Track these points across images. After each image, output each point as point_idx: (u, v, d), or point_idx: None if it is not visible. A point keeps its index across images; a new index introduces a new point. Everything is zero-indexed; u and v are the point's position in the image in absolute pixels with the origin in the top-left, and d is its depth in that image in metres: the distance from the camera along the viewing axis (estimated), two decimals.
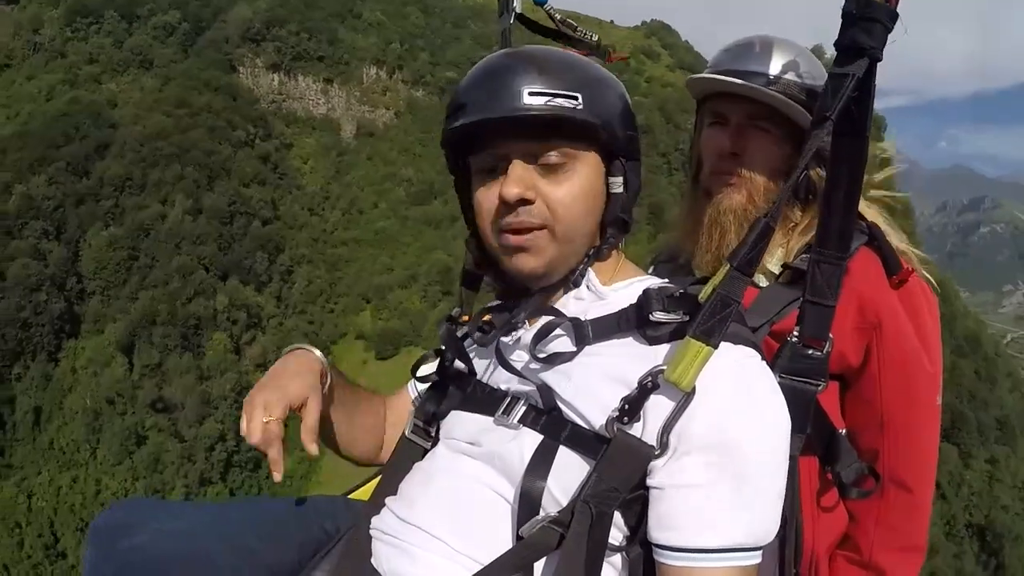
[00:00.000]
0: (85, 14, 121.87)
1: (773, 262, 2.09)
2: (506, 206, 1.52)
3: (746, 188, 2.11)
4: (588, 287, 1.62)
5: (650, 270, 2.34)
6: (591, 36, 1.82)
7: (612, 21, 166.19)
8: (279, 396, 1.57)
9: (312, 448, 1.60)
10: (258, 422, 1.51)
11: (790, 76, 2.09)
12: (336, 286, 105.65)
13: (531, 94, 1.47)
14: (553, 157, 1.52)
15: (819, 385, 1.73)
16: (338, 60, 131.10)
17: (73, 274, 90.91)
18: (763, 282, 2.08)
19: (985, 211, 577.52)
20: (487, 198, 1.56)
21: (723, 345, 1.41)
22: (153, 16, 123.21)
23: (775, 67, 2.09)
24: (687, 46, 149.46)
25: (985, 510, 78.20)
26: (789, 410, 1.47)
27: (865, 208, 2.05)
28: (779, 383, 1.52)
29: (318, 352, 1.75)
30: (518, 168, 1.52)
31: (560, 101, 1.48)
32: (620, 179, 1.60)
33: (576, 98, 1.50)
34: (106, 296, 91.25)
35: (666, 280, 1.73)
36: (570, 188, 1.53)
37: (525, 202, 1.51)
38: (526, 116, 1.48)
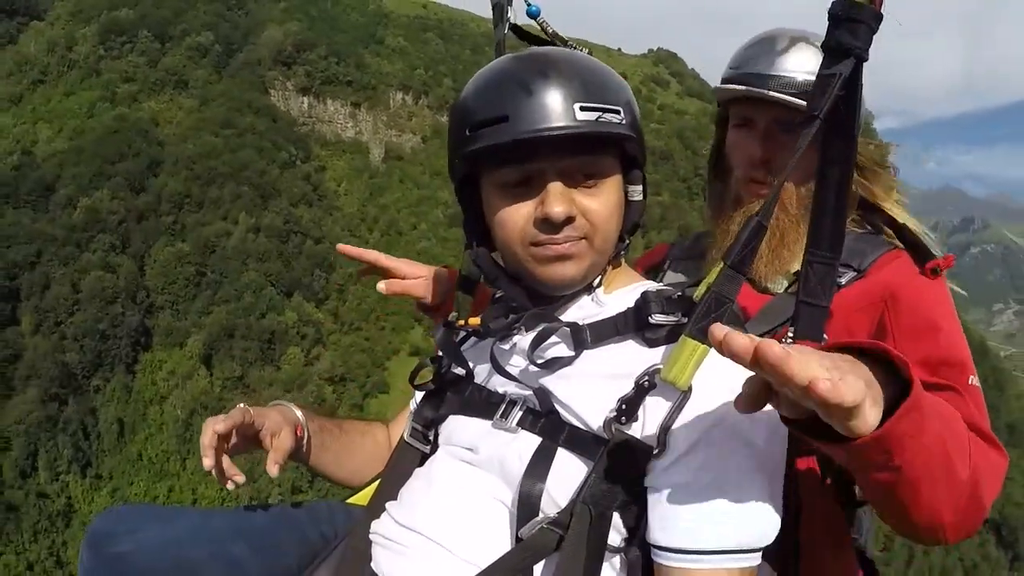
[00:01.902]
0: (119, 33, 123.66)
1: (797, 266, 2.01)
2: (546, 224, 1.49)
3: (778, 197, 2.00)
4: (592, 296, 1.65)
5: (666, 265, 2.45)
6: (582, 51, 1.79)
7: (620, 49, 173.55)
8: (235, 419, 1.66)
9: (273, 470, 1.68)
10: (210, 436, 1.61)
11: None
12: (385, 304, 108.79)
13: (583, 109, 1.45)
14: (590, 172, 1.52)
15: None
16: (365, 85, 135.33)
17: (141, 288, 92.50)
18: (784, 284, 2.11)
19: (975, 232, 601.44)
20: (516, 214, 1.53)
21: None
22: (186, 37, 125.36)
23: (801, 67, 2.04)
24: (693, 74, 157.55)
25: (999, 507, 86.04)
26: None
27: (899, 212, 2.10)
28: None
29: (297, 409, 1.87)
30: (559, 186, 1.50)
31: (609, 116, 1.48)
32: (639, 187, 1.63)
33: (619, 112, 1.50)
34: (176, 310, 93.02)
35: (663, 284, 1.84)
36: (605, 200, 1.54)
37: (569, 220, 1.50)
38: (578, 133, 1.45)
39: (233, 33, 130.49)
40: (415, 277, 2.16)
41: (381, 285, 2.09)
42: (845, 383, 1.06)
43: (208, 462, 1.62)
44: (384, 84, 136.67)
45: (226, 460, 1.67)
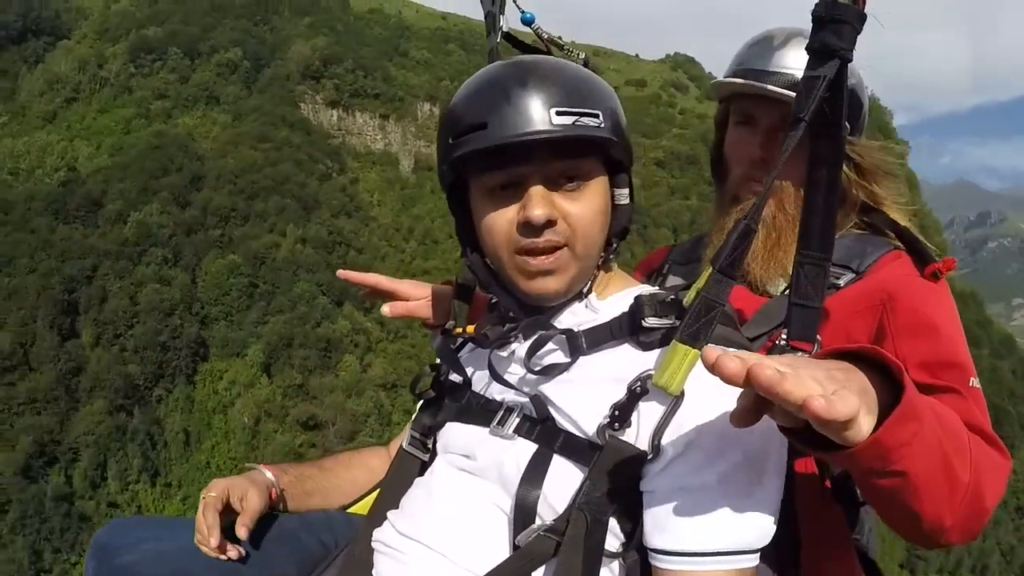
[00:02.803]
0: (148, 50, 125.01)
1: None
2: (528, 227, 1.51)
3: (777, 197, 2.10)
4: (585, 303, 1.66)
5: (666, 268, 2.47)
6: (579, 55, 1.81)
7: (637, 55, 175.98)
8: (221, 490, 1.76)
9: (241, 532, 1.73)
10: (211, 519, 1.69)
11: None
12: None
13: (559, 113, 1.47)
14: (571, 176, 1.54)
15: None
16: (392, 97, 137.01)
17: (195, 300, 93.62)
18: (782, 284, 2.08)
19: (992, 226, 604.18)
20: (501, 219, 1.55)
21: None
22: (215, 53, 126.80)
23: (801, 64, 1.91)
24: (711, 78, 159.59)
25: None
26: None
27: (898, 215, 2.10)
28: None
29: (266, 470, 1.91)
30: (540, 189, 1.52)
31: (586, 120, 1.49)
32: (626, 191, 1.64)
33: (598, 115, 1.51)
34: (230, 321, 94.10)
35: (669, 287, 1.89)
36: (588, 205, 1.55)
37: (550, 223, 1.51)
38: (554, 138, 1.47)
39: (260, 49, 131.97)
40: (419, 298, 2.23)
41: (385, 308, 2.19)
42: (839, 398, 1.05)
43: (215, 542, 1.68)
44: (411, 96, 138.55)
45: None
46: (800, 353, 1.66)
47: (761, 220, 1.92)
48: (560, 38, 1.91)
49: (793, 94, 1.89)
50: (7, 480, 71.29)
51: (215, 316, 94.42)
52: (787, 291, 1.93)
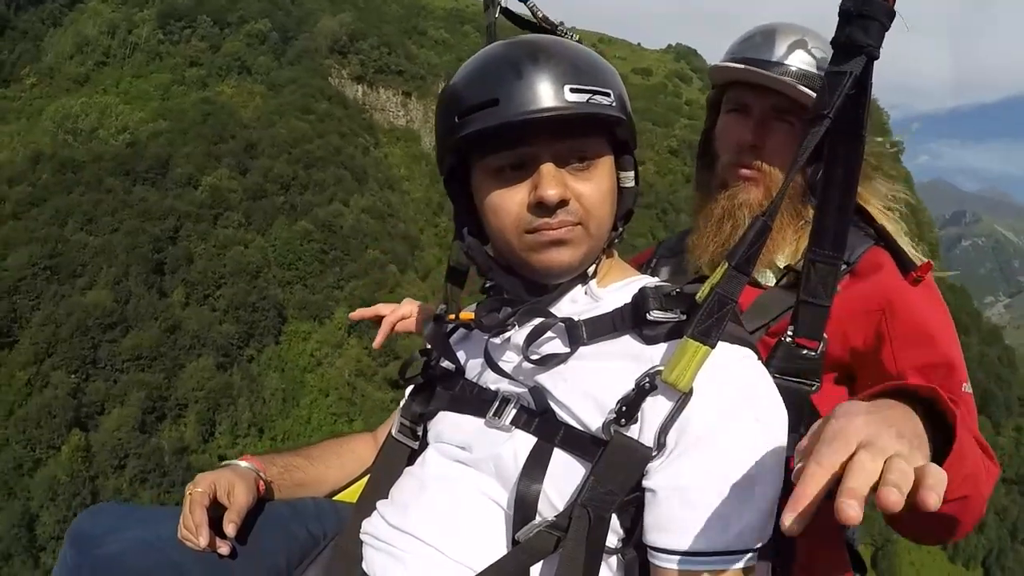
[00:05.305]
0: (178, 18, 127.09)
1: (782, 258, 2.12)
2: (540, 208, 1.50)
3: (764, 183, 2.15)
4: (585, 289, 1.66)
5: (654, 262, 2.52)
6: (572, 34, 1.81)
7: (640, 44, 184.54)
8: (208, 484, 1.76)
9: (228, 529, 1.71)
10: (194, 514, 1.70)
11: (813, 67, 2.12)
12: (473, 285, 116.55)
13: (572, 90, 1.46)
14: (583, 155, 1.54)
15: (813, 386, 1.72)
16: (415, 75, 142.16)
17: (270, 264, 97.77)
18: (771, 276, 2.14)
19: (966, 225, 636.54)
20: (509, 200, 1.55)
21: (720, 345, 1.41)
22: (245, 24, 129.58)
23: (797, 58, 2.11)
24: None
25: (1016, 467, 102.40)
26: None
27: (878, 213, 2.13)
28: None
29: (249, 462, 1.93)
30: (552, 168, 1.51)
31: (599, 98, 1.49)
32: (631, 174, 1.66)
33: (609, 94, 1.51)
34: (305, 285, 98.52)
35: (660, 279, 1.88)
36: (598, 185, 1.56)
37: (563, 203, 1.51)
38: (568, 115, 1.47)
39: (287, 21, 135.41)
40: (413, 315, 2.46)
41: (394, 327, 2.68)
42: (936, 483, 0.97)
43: (204, 541, 1.68)
44: (432, 75, 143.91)
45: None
46: (805, 351, 1.72)
47: (748, 207, 2.12)
48: (562, 23, 1.94)
49: (795, 83, 2.08)
50: (124, 435, 74.66)
51: (289, 280, 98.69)
52: (780, 283, 2.11)
